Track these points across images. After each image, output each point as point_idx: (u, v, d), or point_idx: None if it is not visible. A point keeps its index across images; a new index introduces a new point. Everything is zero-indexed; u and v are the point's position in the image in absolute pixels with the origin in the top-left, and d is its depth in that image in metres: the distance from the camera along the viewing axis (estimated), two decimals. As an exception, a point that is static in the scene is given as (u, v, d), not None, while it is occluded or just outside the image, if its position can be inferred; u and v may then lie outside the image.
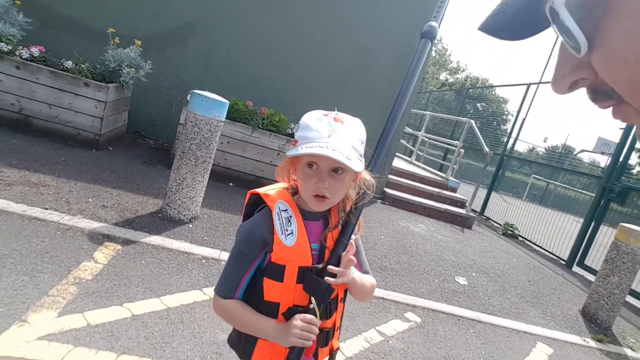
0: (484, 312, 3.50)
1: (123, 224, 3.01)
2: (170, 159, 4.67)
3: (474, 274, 4.42)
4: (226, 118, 3.84)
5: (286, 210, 0.98)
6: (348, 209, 1.04)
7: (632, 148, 5.89)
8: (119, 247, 2.70)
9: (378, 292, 3.22)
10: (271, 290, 0.97)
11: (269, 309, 0.97)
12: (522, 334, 3.33)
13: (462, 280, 4.10)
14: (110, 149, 4.58)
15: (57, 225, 2.69)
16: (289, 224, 0.97)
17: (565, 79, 0.39)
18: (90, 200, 3.21)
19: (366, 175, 1.02)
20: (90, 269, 2.35)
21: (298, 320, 0.92)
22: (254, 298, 0.99)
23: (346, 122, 0.95)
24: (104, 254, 2.55)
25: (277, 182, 1.06)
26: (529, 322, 3.60)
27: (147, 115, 5.42)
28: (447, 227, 6.29)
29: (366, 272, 1.09)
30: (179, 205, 3.28)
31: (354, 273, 1.01)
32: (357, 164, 0.91)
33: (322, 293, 0.94)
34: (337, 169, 0.94)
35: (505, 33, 0.42)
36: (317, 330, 0.93)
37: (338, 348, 1.09)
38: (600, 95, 0.38)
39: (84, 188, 3.37)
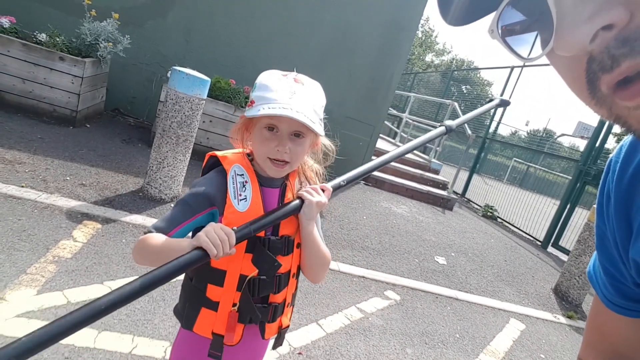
0: (461, 290, 3.62)
1: (103, 202, 2.97)
2: (150, 137, 4.57)
3: (453, 254, 4.54)
4: (208, 96, 3.77)
5: (242, 175, 0.93)
6: (309, 176, 1.01)
7: (609, 132, 6.04)
8: (99, 225, 2.66)
9: (359, 271, 3.28)
10: None
11: (216, 276, 0.92)
12: (496, 311, 3.46)
13: (441, 260, 4.21)
14: (88, 126, 4.46)
15: (34, 204, 2.63)
16: (244, 189, 0.92)
17: (582, 30, 0.27)
18: (68, 178, 3.14)
19: (325, 141, 0.99)
20: (70, 248, 2.32)
21: (216, 225, 0.80)
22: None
23: (307, 84, 0.90)
24: (83, 233, 2.52)
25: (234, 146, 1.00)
26: (503, 300, 3.74)
27: (127, 92, 5.26)
28: (428, 208, 6.40)
29: None
30: (160, 184, 3.24)
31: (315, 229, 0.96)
32: (319, 127, 0.88)
33: (268, 268, 0.91)
34: (298, 132, 0.89)
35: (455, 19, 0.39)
36: (227, 242, 0.77)
37: (288, 326, 1.05)
38: (631, 49, 0.25)
39: (61, 166, 3.29)
